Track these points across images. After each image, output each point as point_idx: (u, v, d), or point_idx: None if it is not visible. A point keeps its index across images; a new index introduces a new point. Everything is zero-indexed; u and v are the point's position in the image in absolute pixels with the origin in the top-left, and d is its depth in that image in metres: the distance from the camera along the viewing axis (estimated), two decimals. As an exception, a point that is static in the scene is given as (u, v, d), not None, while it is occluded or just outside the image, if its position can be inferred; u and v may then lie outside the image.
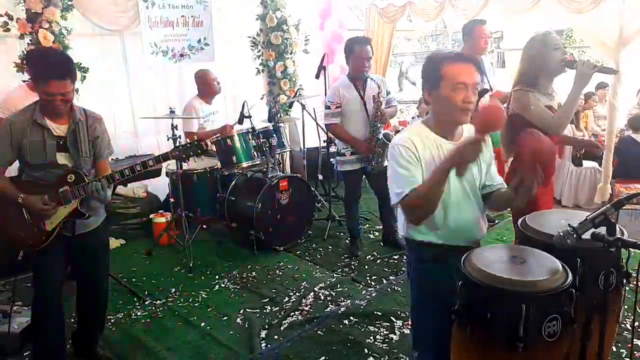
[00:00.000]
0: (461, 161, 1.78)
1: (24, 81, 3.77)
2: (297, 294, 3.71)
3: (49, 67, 2.35)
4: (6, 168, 2.54)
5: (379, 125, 3.97)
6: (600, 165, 5.19)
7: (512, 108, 2.77)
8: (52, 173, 2.50)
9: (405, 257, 2.27)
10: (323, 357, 2.94)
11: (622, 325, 3.06)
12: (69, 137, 2.51)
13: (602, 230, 1.73)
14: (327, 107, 4.04)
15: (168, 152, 2.73)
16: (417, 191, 1.89)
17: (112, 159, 3.83)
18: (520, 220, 2.23)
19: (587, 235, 1.75)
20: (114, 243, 4.67)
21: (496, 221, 4.96)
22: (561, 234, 1.76)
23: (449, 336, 1.88)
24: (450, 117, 1.95)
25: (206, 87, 4.86)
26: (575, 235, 1.74)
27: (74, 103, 2.54)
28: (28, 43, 4.19)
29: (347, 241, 4.60)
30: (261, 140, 4.45)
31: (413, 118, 7.36)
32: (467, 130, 2.07)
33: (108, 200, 2.61)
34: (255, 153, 4.50)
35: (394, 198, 1.96)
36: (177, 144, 2.81)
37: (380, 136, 3.97)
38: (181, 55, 5.29)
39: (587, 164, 5.59)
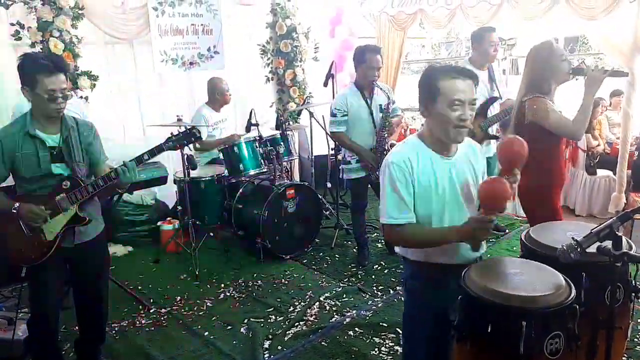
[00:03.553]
0: (473, 241, 1.84)
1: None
2: (302, 303, 3.67)
3: (47, 63, 2.33)
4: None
5: (386, 135, 3.94)
6: (614, 174, 5.08)
7: (528, 117, 2.73)
8: (47, 184, 2.46)
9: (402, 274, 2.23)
10: (326, 369, 2.91)
11: (635, 340, 2.98)
12: (63, 146, 2.48)
13: (608, 244, 1.67)
14: (333, 115, 4.00)
15: (161, 143, 2.63)
16: (410, 233, 1.90)
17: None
18: (524, 233, 2.19)
19: (592, 249, 1.70)
20: (121, 250, 4.69)
21: (507, 230, 4.88)
22: (564, 247, 1.71)
23: (440, 353, 1.83)
24: (445, 133, 1.89)
25: (218, 96, 4.87)
26: (579, 249, 1.69)
27: (64, 112, 2.50)
28: (39, 52, 4.23)
29: (354, 250, 4.56)
30: (268, 148, 4.44)
31: (422, 125, 7.30)
32: (462, 144, 2.02)
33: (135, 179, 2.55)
34: (262, 161, 4.50)
35: (383, 218, 1.93)
36: (171, 135, 2.69)
37: (388, 147, 3.92)
38: (191, 64, 5.32)
39: (601, 172, 5.48)
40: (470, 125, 1.88)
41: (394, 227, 1.90)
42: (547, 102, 2.69)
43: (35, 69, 2.33)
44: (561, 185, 2.93)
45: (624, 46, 4.46)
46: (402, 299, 3.63)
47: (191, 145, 4.54)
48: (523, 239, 2.16)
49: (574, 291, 1.69)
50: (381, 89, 3.98)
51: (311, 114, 5.13)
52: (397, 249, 2.08)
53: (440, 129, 1.89)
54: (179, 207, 4.58)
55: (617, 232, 1.67)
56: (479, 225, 1.77)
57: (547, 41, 2.79)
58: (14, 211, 2.41)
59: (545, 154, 2.76)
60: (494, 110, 4.06)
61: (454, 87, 1.83)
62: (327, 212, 5.40)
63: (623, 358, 2.68)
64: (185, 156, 4.13)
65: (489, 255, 3.91)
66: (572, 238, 1.71)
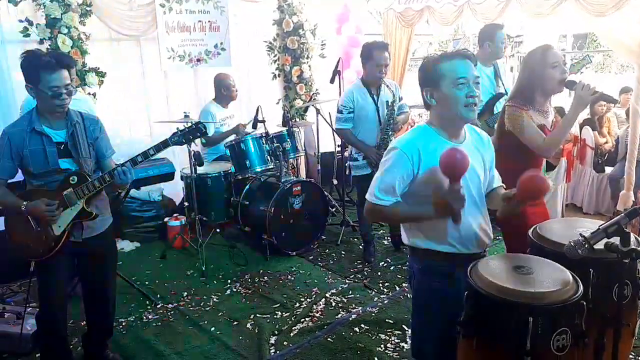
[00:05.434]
0: (451, 213, 1.81)
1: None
2: (308, 299, 3.68)
3: (50, 60, 2.34)
4: (7, 180, 2.51)
5: (390, 133, 3.93)
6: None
7: (506, 124, 2.64)
8: (55, 179, 2.49)
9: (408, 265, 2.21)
10: (332, 365, 2.91)
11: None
12: (69, 141, 2.50)
13: (616, 240, 1.67)
14: (340, 112, 4.00)
15: (167, 138, 2.63)
16: (390, 212, 1.92)
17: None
18: (531, 230, 2.18)
19: (600, 245, 1.69)
20: (129, 245, 4.71)
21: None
22: (572, 244, 1.70)
23: (450, 348, 1.83)
24: (455, 115, 1.89)
25: (225, 92, 4.88)
26: (587, 246, 1.68)
27: (70, 108, 2.52)
28: (47, 48, 4.26)
29: (360, 247, 4.56)
30: (275, 144, 4.44)
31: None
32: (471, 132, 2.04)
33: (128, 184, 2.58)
34: (268, 157, 4.50)
35: (368, 194, 1.97)
36: (177, 130, 2.69)
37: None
38: (198, 60, 5.33)
39: (609, 170, 5.44)
40: (480, 102, 1.89)
41: (374, 205, 1.94)
42: (524, 115, 2.55)
43: (37, 67, 2.35)
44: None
45: (632, 43, 4.42)
46: (409, 295, 3.65)
47: (198, 140, 4.57)
48: (530, 235, 2.15)
49: (581, 288, 1.69)
50: (387, 86, 3.97)
51: (318, 111, 5.13)
52: (405, 240, 2.07)
53: (450, 112, 1.89)
54: (186, 204, 4.59)
55: (625, 229, 1.66)
56: (449, 195, 1.76)
57: (540, 46, 2.65)
58: (23, 209, 2.43)
59: (520, 164, 2.48)
60: (500, 106, 4.05)
61: (455, 67, 1.86)
62: (334, 209, 5.40)
63: (631, 356, 2.67)
64: (192, 152, 4.15)
65: (495, 253, 3.90)
66: (580, 234, 1.70)
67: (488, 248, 2.08)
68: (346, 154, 4.72)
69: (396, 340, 3.12)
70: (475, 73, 1.88)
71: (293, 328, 3.30)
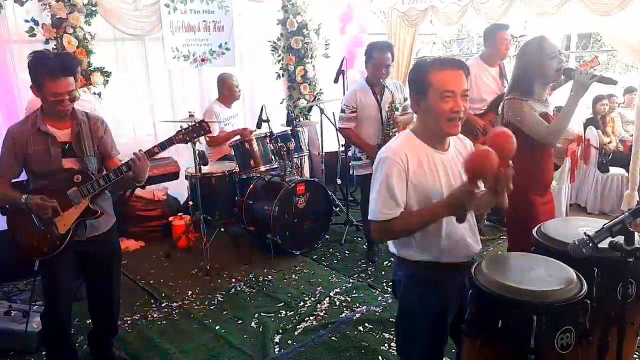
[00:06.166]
0: (458, 211, 1.74)
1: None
2: (312, 298, 3.69)
3: (54, 68, 2.34)
4: (10, 180, 2.52)
5: (391, 133, 3.93)
6: (627, 171, 5.04)
7: (507, 117, 2.64)
8: (59, 178, 2.49)
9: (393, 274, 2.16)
10: (336, 364, 2.91)
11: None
12: (74, 141, 2.51)
13: (620, 239, 1.67)
14: (342, 111, 4.01)
15: (172, 136, 2.63)
16: (399, 222, 1.82)
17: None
18: (535, 229, 2.18)
19: (604, 244, 1.69)
20: (134, 245, 4.73)
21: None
22: (576, 242, 1.71)
23: (435, 353, 1.86)
24: (438, 127, 1.83)
25: (227, 92, 4.90)
26: (591, 244, 1.68)
27: (75, 107, 2.54)
28: (53, 48, 4.29)
29: (364, 246, 4.56)
30: (279, 144, 4.46)
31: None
32: (454, 138, 1.97)
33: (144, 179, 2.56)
34: (273, 157, 4.52)
35: (371, 214, 1.87)
36: (181, 128, 2.71)
37: None
38: (202, 60, 5.35)
39: (613, 170, 5.43)
40: (464, 117, 1.82)
41: (383, 222, 1.84)
42: (525, 105, 2.55)
43: (42, 72, 2.35)
44: (540, 192, 2.71)
45: (637, 43, 4.42)
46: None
47: (203, 140, 4.59)
48: (534, 234, 2.16)
49: (585, 286, 1.69)
50: (386, 86, 3.94)
51: (321, 111, 5.14)
52: (392, 249, 2.01)
53: (433, 123, 1.83)
54: (190, 203, 4.61)
55: (629, 228, 1.67)
56: (463, 194, 1.68)
57: (536, 37, 2.64)
58: (23, 202, 2.43)
59: (523, 156, 2.49)
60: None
61: (443, 79, 1.77)
62: (337, 209, 5.41)
63: (635, 355, 2.67)
64: (197, 152, 4.16)
65: (499, 252, 3.91)
66: (584, 233, 1.71)
67: (476, 255, 2.02)
68: (350, 153, 4.72)
69: (400, 339, 3.13)
70: (465, 86, 1.80)
71: (297, 327, 3.31)
